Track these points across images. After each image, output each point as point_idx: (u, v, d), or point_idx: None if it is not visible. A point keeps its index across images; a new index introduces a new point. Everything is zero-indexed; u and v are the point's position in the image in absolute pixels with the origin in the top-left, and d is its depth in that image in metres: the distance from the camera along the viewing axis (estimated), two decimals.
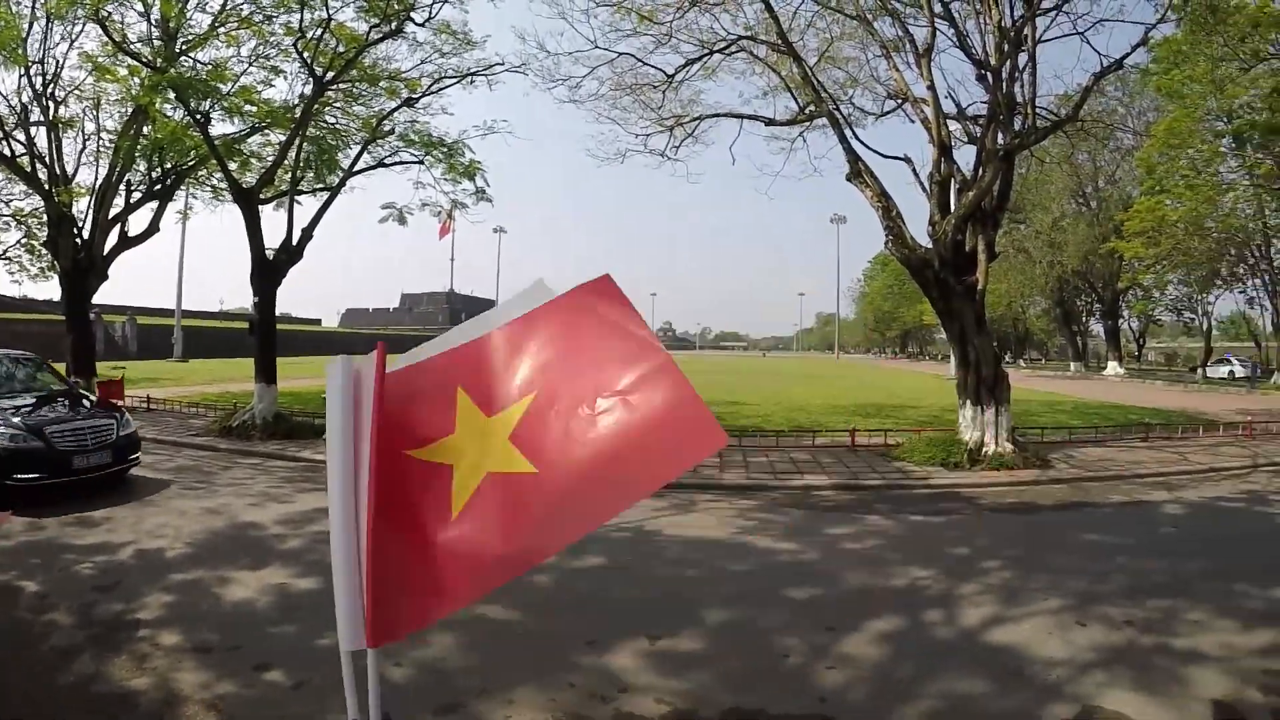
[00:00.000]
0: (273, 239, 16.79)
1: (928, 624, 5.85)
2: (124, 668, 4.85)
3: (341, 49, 15.98)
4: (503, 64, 18.19)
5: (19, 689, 4.58)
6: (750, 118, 17.76)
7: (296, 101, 17.46)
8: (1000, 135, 13.92)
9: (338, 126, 20.11)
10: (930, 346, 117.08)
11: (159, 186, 21.20)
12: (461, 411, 2.15)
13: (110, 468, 10.42)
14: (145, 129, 18.37)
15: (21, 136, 19.74)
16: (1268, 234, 40.50)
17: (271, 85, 18.71)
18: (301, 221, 17.29)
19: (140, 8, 16.98)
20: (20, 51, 17.61)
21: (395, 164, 19.28)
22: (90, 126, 21.06)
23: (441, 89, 18.63)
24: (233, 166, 17.91)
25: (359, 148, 18.65)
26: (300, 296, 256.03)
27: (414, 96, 18.23)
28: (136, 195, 21.13)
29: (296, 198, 17.91)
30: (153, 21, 17.25)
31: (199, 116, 15.44)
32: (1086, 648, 5.31)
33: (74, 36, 19.24)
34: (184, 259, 55.72)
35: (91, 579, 6.63)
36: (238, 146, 18.78)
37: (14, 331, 40.92)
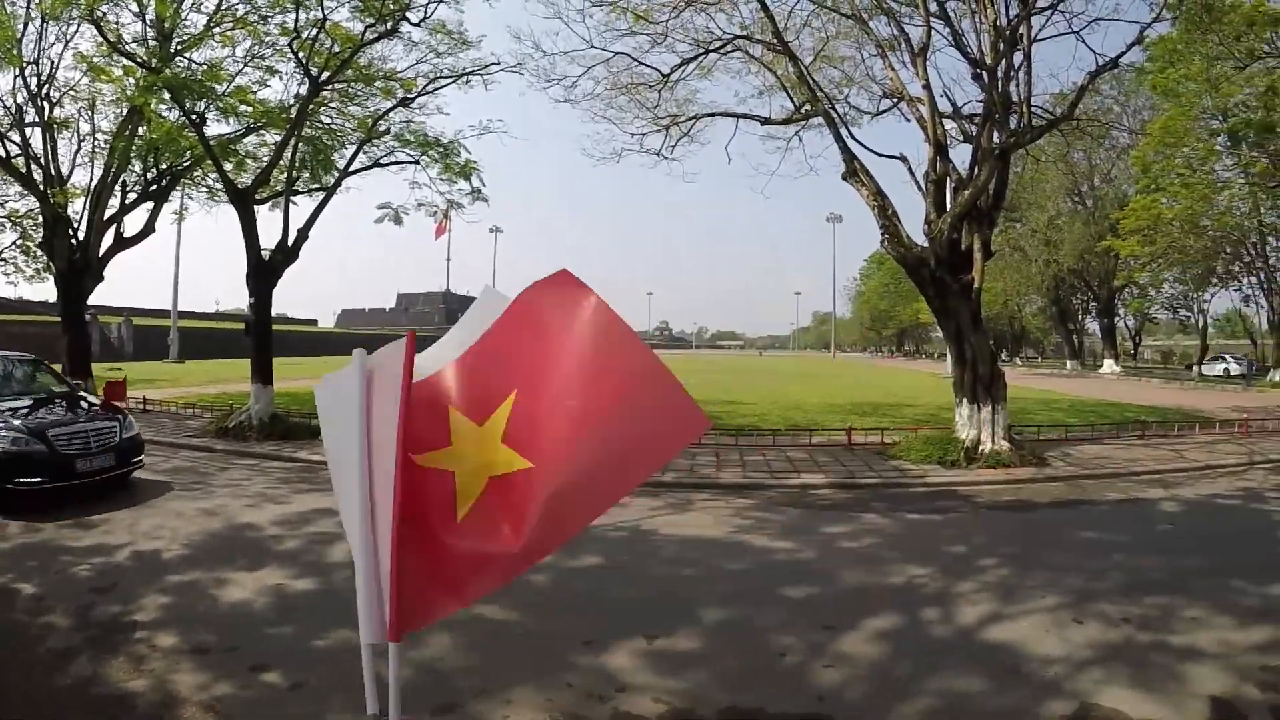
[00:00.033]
0: (268, 239, 16.79)
1: (925, 622, 5.86)
2: (121, 669, 4.84)
3: (337, 49, 15.97)
4: (498, 64, 18.21)
5: (18, 690, 4.57)
6: (746, 117, 17.78)
7: (292, 102, 17.46)
8: (996, 134, 13.93)
9: (333, 127, 20.11)
10: (926, 345, 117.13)
11: (154, 187, 21.18)
12: (454, 425, 2.17)
13: (113, 471, 10.24)
14: (140, 129, 18.34)
15: (16, 137, 19.68)
16: (1263, 232, 40.58)
17: (267, 85, 18.72)
18: (297, 222, 17.29)
19: (135, 8, 16.98)
20: (15, 52, 17.54)
21: (391, 164, 19.30)
22: (85, 127, 21.04)
23: (437, 89, 18.67)
24: (228, 167, 17.89)
25: (354, 148, 18.66)
26: (296, 297, 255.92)
27: (409, 96, 18.23)
28: (132, 196, 21.10)
29: (292, 198, 17.89)
30: (148, 22, 17.24)
31: (194, 117, 15.41)
32: (1084, 645, 5.32)
33: (69, 37, 19.19)
34: (180, 260, 55.65)
35: (89, 581, 6.62)
36: (233, 147, 18.78)
37: (9, 333, 40.85)
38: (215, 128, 17.94)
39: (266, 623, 5.74)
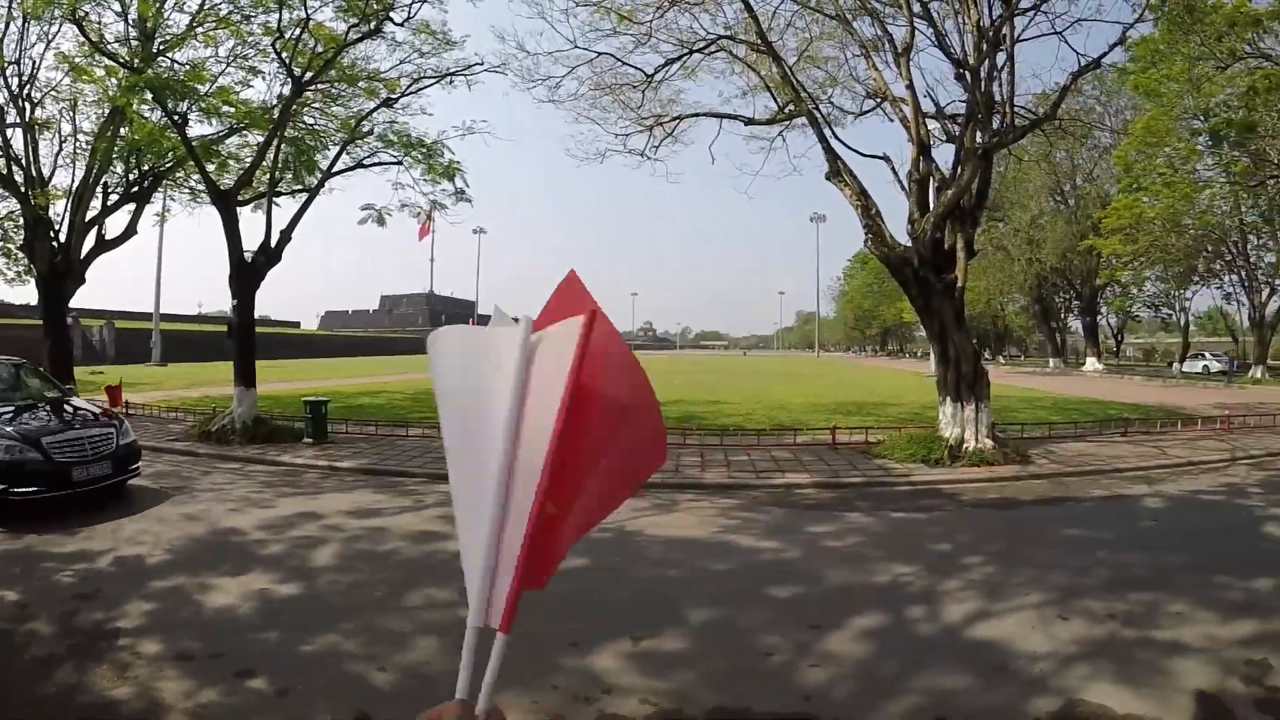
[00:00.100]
0: (251, 241, 16.70)
1: (911, 620, 5.88)
2: (106, 677, 4.80)
3: (320, 49, 15.90)
4: (482, 64, 18.16)
5: (1, 699, 4.53)
6: (730, 117, 17.81)
7: (275, 102, 17.36)
8: (979, 134, 13.99)
9: (316, 127, 20.02)
10: (910, 344, 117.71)
11: (136, 188, 21.00)
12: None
13: (110, 479, 9.95)
14: (122, 130, 18.18)
15: None
16: (1244, 230, 41.02)
17: (250, 86, 18.64)
18: (280, 223, 17.20)
19: (117, 7, 16.84)
20: None
21: (374, 165, 19.23)
22: (67, 128, 20.82)
23: (420, 89, 18.62)
24: (211, 168, 17.76)
25: (338, 149, 18.59)
26: (279, 299, 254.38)
27: (393, 97, 18.17)
28: (114, 197, 20.91)
29: (275, 199, 17.79)
30: (130, 21, 17.10)
31: (177, 117, 15.30)
32: (1069, 641, 5.35)
33: (50, 36, 18.98)
34: (162, 262, 55.29)
35: (71, 587, 6.56)
36: (216, 148, 18.65)
37: None
38: (198, 128, 17.83)
39: (251, 628, 5.70)
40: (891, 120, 15.64)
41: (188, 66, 16.33)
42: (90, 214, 20.14)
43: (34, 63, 19.19)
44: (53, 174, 20.38)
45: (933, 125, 15.34)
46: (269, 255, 16.69)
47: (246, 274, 16.50)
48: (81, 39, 15.73)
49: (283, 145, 17.53)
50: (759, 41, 15.22)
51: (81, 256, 20.11)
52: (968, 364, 13.92)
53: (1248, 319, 46.50)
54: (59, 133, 20.68)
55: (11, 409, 10.11)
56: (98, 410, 11.27)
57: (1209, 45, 23.51)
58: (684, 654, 5.24)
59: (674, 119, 18.19)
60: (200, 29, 16.57)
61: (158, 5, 16.16)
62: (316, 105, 19.48)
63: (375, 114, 18.50)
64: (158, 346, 54.51)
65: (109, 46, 16.19)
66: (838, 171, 14.90)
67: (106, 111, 18.73)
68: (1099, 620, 5.77)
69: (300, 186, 19.31)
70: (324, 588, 6.60)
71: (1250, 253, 43.28)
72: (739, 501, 10.51)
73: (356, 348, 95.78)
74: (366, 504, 10.15)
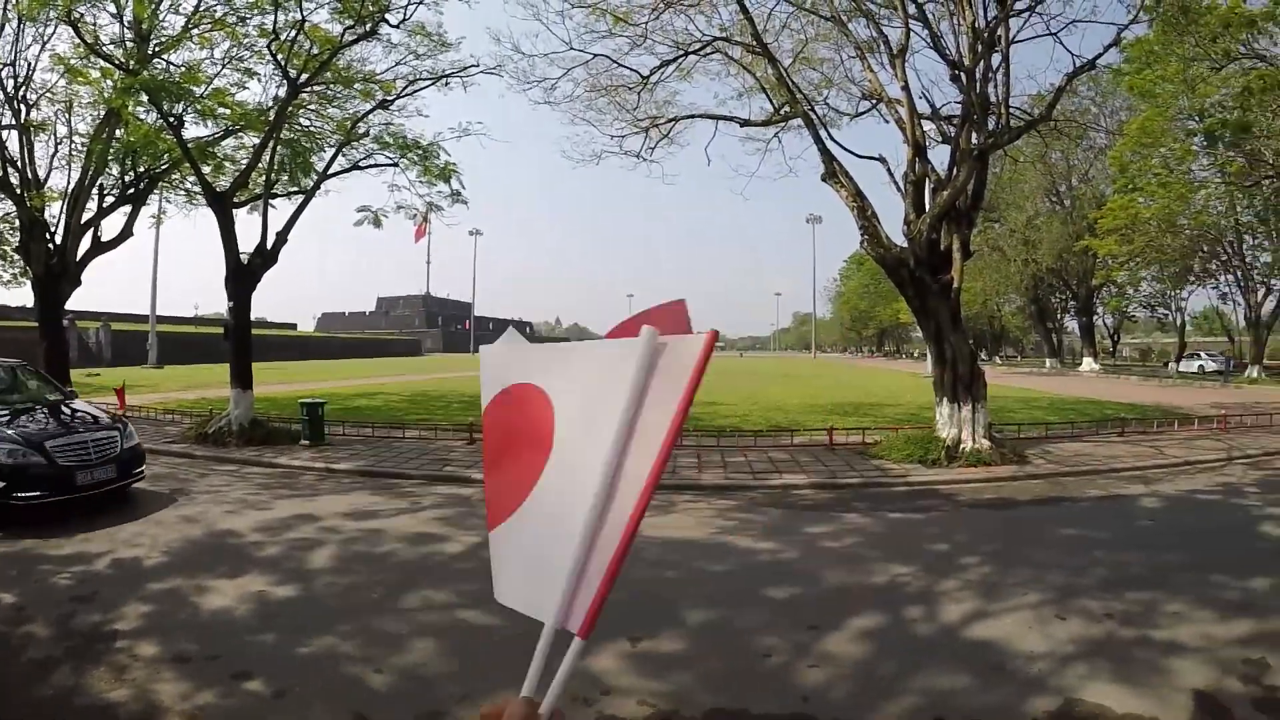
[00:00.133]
0: (247, 243, 16.67)
1: (908, 621, 5.88)
2: (103, 679, 4.79)
3: (315, 51, 15.88)
4: (478, 66, 18.12)
5: None
6: (725, 119, 17.84)
7: (270, 104, 17.33)
8: (974, 135, 14.01)
9: (312, 129, 19.99)
10: (906, 345, 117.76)
11: (132, 190, 20.93)
12: None
13: (115, 483, 9.78)
14: (118, 132, 18.14)
15: None
16: (1239, 230, 41.13)
17: (245, 88, 18.61)
18: (276, 225, 17.19)
19: (113, 9, 16.76)
20: None
21: (370, 167, 19.21)
22: (62, 130, 20.73)
23: (416, 91, 18.59)
24: (206, 170, 17.74)
25: (333, 150, 18.56)
26: (275, 301, 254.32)
27: (389, 99, 18.14)
28: (109, 199, 20.82)
29: (271, 201, 17.77)
30: (125, 23, 17.03)
31: (172, 119, 15.28)
32: (1067, 641, 5.36)
33: (46, 38, 18.92)
34: (158, 264, 55.12)
35: (69, 589, 6.55)
36: (211, 150, 18.61)
37: None
38: (193, 130, 17.81)
39: (248, 630, 5.69)
40: (887, 122, 15.68)
41: (183, 68, 16.30)
42: (86, 216, 20.06)
43: (29, 64, 19.12)
44: (48, 176, 20.33)
45: (928, 126, 15.39)
46: (265, 257, 16.66)
47: (242, 276, 16.47)
48: (77, 41, 15.69)
49: (278, 147, 17.51)
50: (754, 43, 15.24)
51: (77, 258, 20.04)
52: (964, 364, 13.94)
53: (1244, 319, 46.60)
54: (54, 135, 20.63)
55: (12, 412, 9.99)
56: (101, 413, 11.08)
57: (1204, 46, 23.57)
58: (682, 655, 5.24)
59: (670, 120, 18.21)
60: (196, 31, 16.52)
61: (153, 7, 16.11)
62: (312, 107, 19.45)
63: (371, 116, 18.48)
64: (154, 348, 54.32)
65: (104, 48, 16.14)
66: (834, 173, 14.90)
67: (102, 113, 18.68)
68: (1096, 620, 5.77)
69: (296, 188, 19.29)
70: (321, 589, 6.59)
71: (1246, 253, 43.41)
72: (736, 502, 10.51)
73: (353, 349, 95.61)
74: (363, 506, 10.13)
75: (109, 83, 15.50)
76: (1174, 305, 59.10)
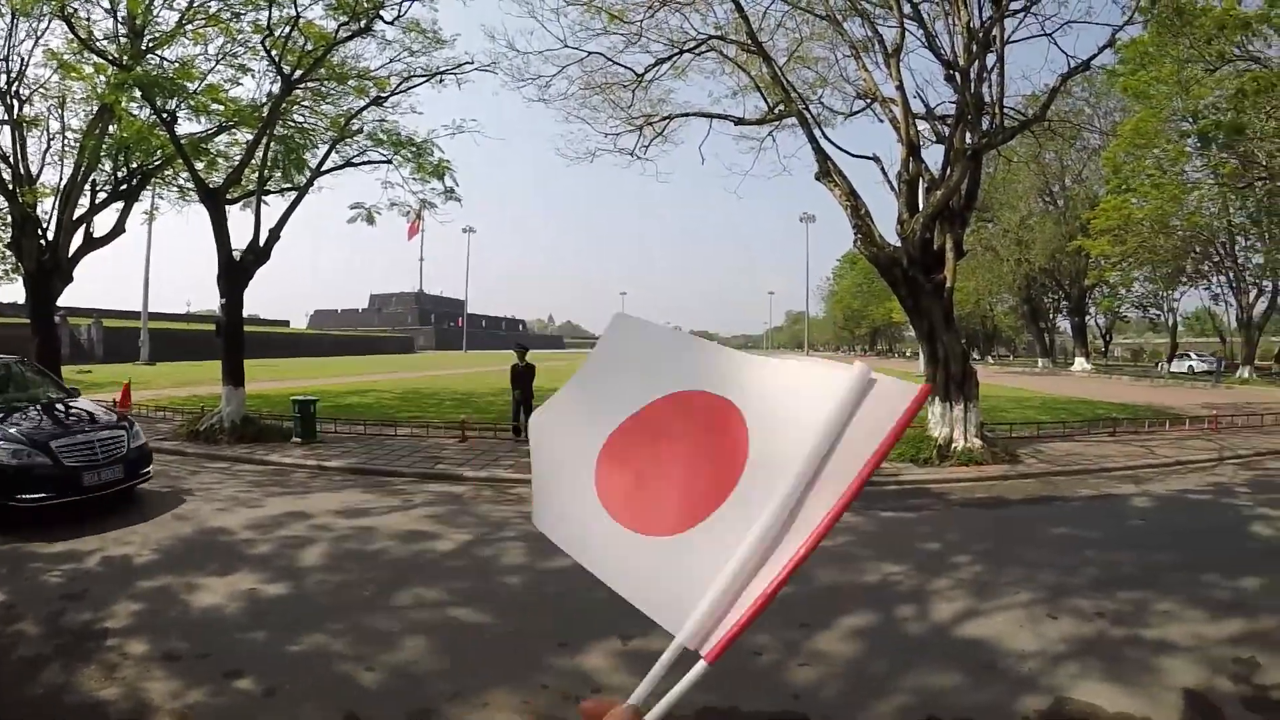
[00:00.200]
0: (240, 240, 16.61)
1: (900, 619, 5.89)
2: (93, 677, 4.77)
3: (310, 47, 15.82)
4: (472, 63, 18.09)
5: None
6: (720, 117, 17.84)
7: (264, 100, 17.26)
8: (968, 135, 14.04)
9: (305, 125, 19.92)
10: (899, 344, 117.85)
11: (125, 187, 20.85)
12: None
13: (122, 484, 9.52)
14: (111, 128, 18.04)
15: None
16: (1232, 231, 41.24)
17: (239, 84, 18.47)
18: (269, 222, 17.15)
19: (107, 4, 16.70)
20: None
21: (363, 163, 19.13)
22: (55, 125, 20.62)
23: (410, 88, 18.54)
24: (199, 166, 17.66)
25: (327, 147, 18.49)
26: (268, 297, 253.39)
27: (383, 95, 18.10)
28: (102, 195, 20.74)
29: (264, 198, 17.72)
30: (119, 18, 16.96)
31: (165, 115, 15.21)
32: (1058, 640, 5.37)
33: (39, 33, 18.83)
34: (150, 261, 54.88)
35: (59, 587, 6.52)
36: (204, 146, 18.53)
37: None
38: (186, 126, 17.76)
39: (239, 628, 5.67)
40: (881, 121, 15.68)
41: (177, 64, 16.23)
42: (78, 212, 19.97)
43: (22, 59, 19.03)
44: (40, 171, 20.23)
45: (922, 126, 15.42)
46: (258, 254, 16.60)
47: (235, 272, 16.41)
48: (70, 36, 15.62)
49: (272, 143, 17.43)
50: (749, 42, 15.25)
51: (69, 255, 19.95)
52: (956, 364, 13.96)
53: (1235, 320, 46.77)
54: (47, 130, 20.52)
55: (13, 410, 9.77)
56: (105, 412, 10.87)
57: (1198, 48, 23.61)
58: None
59: (664, 118, 18.23)
60: (189, 26, 16.44)
61: (147, 2, 16.06)
62: (306, 103, 19.40)
63: (365, 112, 18.41)
64: (146, 345, 54.10)
65: (98, 43, 16.07)
66: (827, 172, 14.92)
67: (95, 109, 18.59)
68: (1087, 619, 5.79)
69: (289, 185, 19.23)
70: (312, 587, 6.58)
71: (1238, 254, 43.55)
72: None
73: (345, 347, 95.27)
74: (355, 503, 10.11)
75: (102, 78, 15.40)
76: (1166, 306, 59.38)
